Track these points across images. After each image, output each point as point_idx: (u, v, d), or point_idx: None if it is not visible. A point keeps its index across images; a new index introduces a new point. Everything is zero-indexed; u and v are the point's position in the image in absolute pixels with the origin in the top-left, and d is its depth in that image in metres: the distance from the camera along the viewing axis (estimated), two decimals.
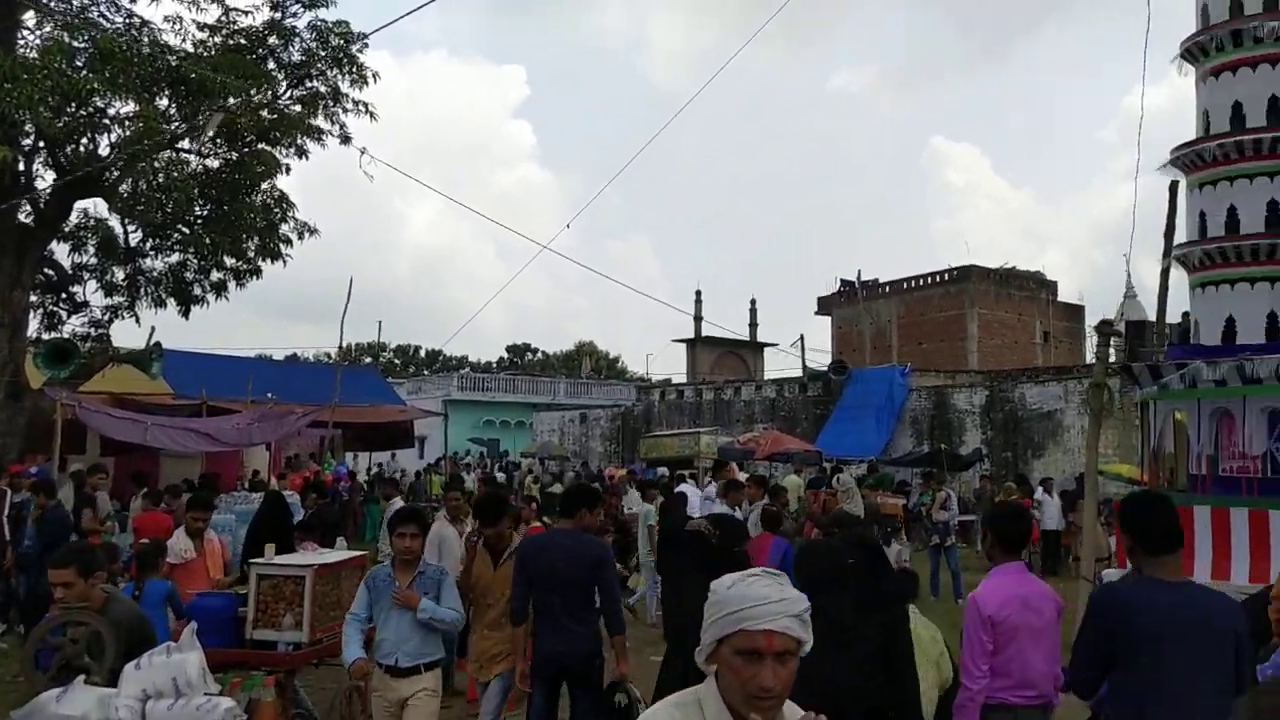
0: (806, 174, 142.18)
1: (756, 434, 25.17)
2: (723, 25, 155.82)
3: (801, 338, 41.58)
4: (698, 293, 67.91)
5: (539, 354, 79.26)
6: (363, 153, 15.75)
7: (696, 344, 56.13)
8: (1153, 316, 14.20)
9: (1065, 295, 53.51)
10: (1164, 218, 12.17)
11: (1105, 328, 10.99)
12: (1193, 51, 10.91)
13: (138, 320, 18.05)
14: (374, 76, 16.81)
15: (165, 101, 15.61)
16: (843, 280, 54.94)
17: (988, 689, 3.87)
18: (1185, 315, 12.81)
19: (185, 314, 17.76)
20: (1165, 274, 12.39)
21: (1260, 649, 4.14)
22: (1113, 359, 14.40)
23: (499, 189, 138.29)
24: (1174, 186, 11.74)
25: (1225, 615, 3.34)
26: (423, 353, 77.23)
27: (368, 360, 58.29)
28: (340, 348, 20.11)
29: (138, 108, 14.67)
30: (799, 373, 38.15)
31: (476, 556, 6.31)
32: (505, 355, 79.57)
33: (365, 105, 17.11)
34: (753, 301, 64.20)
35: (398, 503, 10.95)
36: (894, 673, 3.34)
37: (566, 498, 5.92)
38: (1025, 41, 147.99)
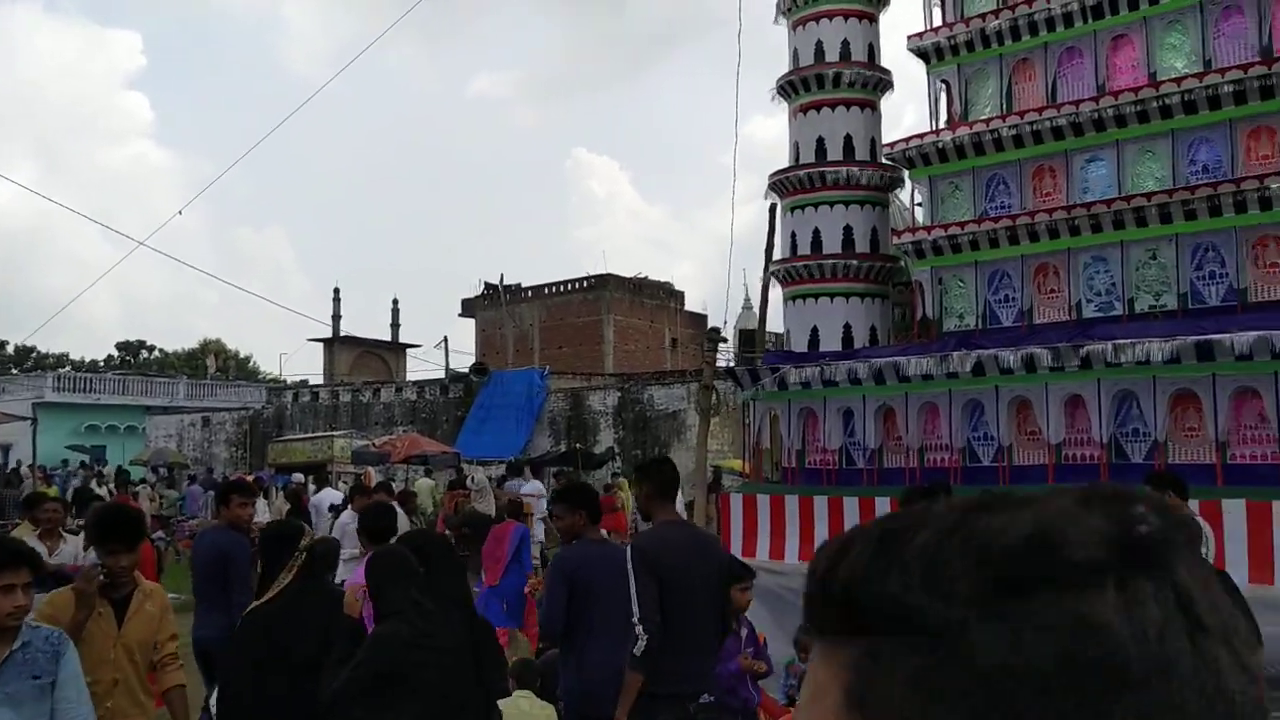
0: (451, 175, 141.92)
1: (393, 437, 24.65)
2: (364, 16, 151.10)
3: (445, 339, 41.42)
4: (336, 290, 65.19)
5: (156, 352, 72.11)
6: None
7: (334, 343, 53.99)
8: (770, 325, 15.72)
9: (692, 305, 57.72)
10: (778, 237, 13.53)
11: (714, 335, 12.01)
12: (786, 89, 12.23)
13: None
14: None
15: None
16: (487, 283, 55.36)
17: None
18: None
19: None
20: (765, 288, 13.75)
21: None
22: (723, 363, 15.72)
23: (108, 165, 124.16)
24: (773, 209, 13.08)
25: (715, 547, 4.45)
26: (10, 349, 67.38)
27: None
28: None
29: None
30: (443, 374, 37.92)
31: (93, 608, 3.85)
32: (116, 353, 71.52)
33: None
34: (395, 301, 62.95)
35: None
36: (483, 666, 3.42)
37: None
38: (662, 64, 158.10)
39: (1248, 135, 9.40)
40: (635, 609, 3.88)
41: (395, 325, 61.83)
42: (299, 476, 19.31)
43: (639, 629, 3.84)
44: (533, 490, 16.39)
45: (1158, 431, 9.13)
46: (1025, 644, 0.46)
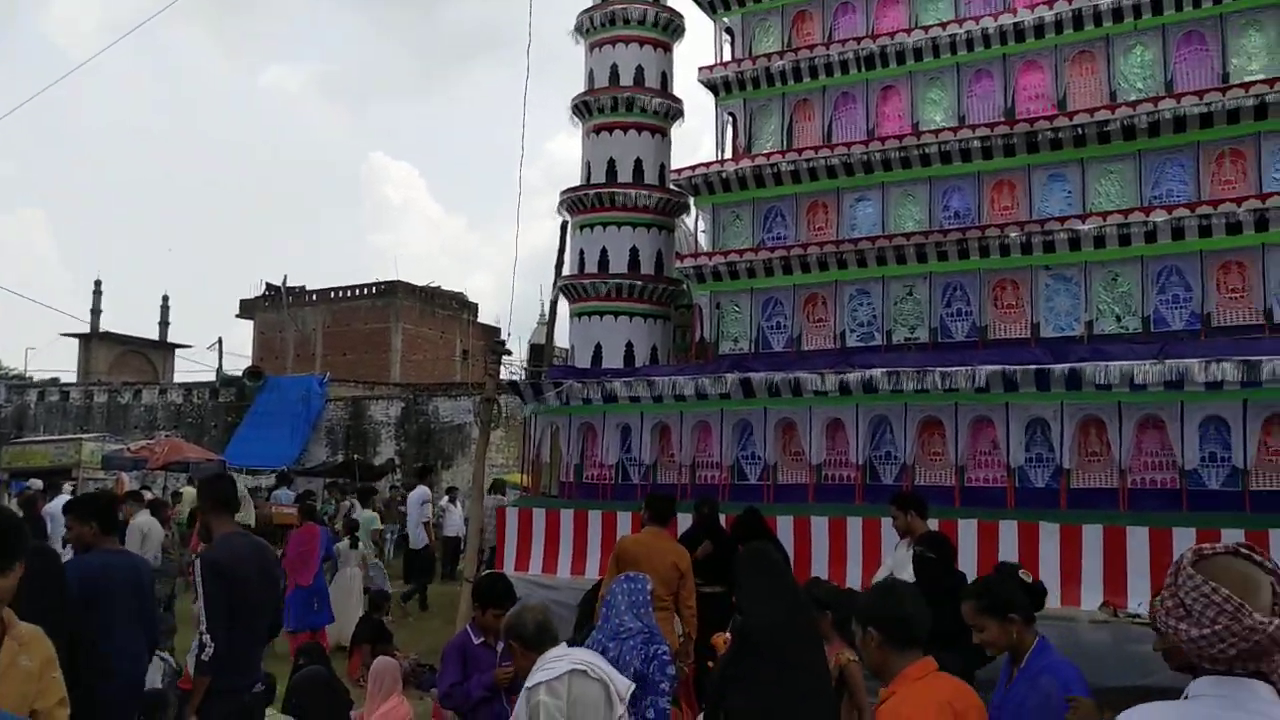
0: (237, 169, 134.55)
1: (152, 442, 22.96)
2: None
3: (220, 341, 39.02)
4: (98, 282, 60.12)
5: None
6: None
7: (92, 340, 49.80)
8: (561, 342, 15.74)
9: (488, 317, 57.10)
10: (567, 254, 13.61)
11: (497, 348, 11.94)
12: (580, 109, 12.39)
13: None
14: None
15: None
16: (268, 284, 52.63)
17: None
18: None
19: None
20: (554, 304, 13.82)
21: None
22: (512, 377, 15.59)
23: None
24: (565, 226, 13.17)
25: (269, 551, 5.00)
26: None
27: None
28: None
29: None
30: (214, 378, 35.69)
31: None
32: None
33: None
34: (165, 298, 58.96)
35: None
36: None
37: None
38: (464, 75, 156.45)
39: (992, 187, 10.33)
40: (203, 620, 4.28)
41: (165, 323, 57.90)
42: (36, 482, 17.60)
43: (206, 638, 4.26)
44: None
45: (907, 455, 9.81)
46: None
